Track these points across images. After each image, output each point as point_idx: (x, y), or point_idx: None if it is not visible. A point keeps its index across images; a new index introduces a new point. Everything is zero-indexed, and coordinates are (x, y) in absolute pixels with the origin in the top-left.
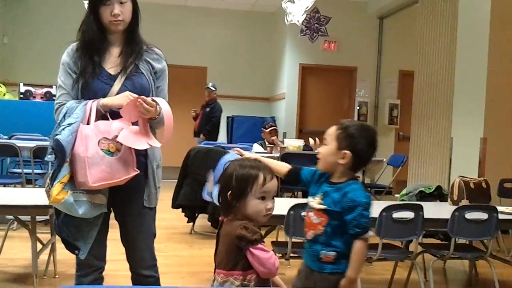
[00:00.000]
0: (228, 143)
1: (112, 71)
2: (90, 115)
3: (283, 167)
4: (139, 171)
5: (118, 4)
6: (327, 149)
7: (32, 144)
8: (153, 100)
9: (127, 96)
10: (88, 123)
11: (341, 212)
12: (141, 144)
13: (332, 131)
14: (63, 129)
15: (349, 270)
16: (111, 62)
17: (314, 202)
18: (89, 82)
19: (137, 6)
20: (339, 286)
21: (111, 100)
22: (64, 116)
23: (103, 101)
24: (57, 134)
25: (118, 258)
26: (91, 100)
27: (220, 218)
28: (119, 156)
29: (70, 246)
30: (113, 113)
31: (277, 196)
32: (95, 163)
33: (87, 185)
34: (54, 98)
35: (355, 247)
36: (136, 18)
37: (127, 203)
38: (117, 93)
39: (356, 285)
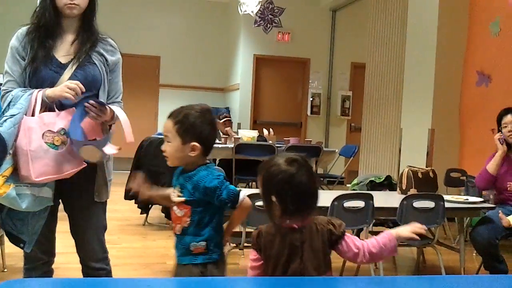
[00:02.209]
0: None
1: (63, 60)
2: (35, 105)
3: None
4: (86, 164)
5: None
6: (173, 147)
7: None
8: (102, 104)
9: (66, 85)
10: (33, 114)
11: (202, 199)
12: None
13: (170, 127)
14: (5, 120)
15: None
16: (63, 50)
17: (174, 195)
18: (38, 69)
19: None
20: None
21: (53, 91)
22: (8, 105)
23: (47, 92)
24: None
25: (69, 251)
26: (37, 90)
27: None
28: (65, 149)
29: (15, 240)
30: (61, 104)
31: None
32: (39, 157)
33: (30, 179)
34: (1, 86)
35: (235, 214)
36: (93, 6)
37: (76, 196)
38: None
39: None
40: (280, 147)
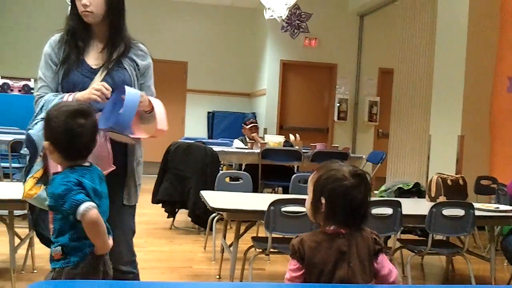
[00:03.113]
0: (208, 138)
1: (93, 65)
2: None
3: None
4: (115, 167)
5: None
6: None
7: (10, 137)
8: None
9: (93, 87)
10: None
11: (56, 206)
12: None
13: None
14: (36, 123)
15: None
16: (94, 56)
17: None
18: (70, 71)
19: (119, 1)
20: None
21: (82, 94)
22: (41, 109)
23: (78, 95)
24: (30, 129)
25: None
26: (68, 94)
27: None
28: (93, 152)
29: (46, 241)
30: None
31: (256, 191)
32: None
33: None
34: (32, 91)
35: (84, 227)
36: (118, 12)
37: None
38: None
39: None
40: (306, 152)
